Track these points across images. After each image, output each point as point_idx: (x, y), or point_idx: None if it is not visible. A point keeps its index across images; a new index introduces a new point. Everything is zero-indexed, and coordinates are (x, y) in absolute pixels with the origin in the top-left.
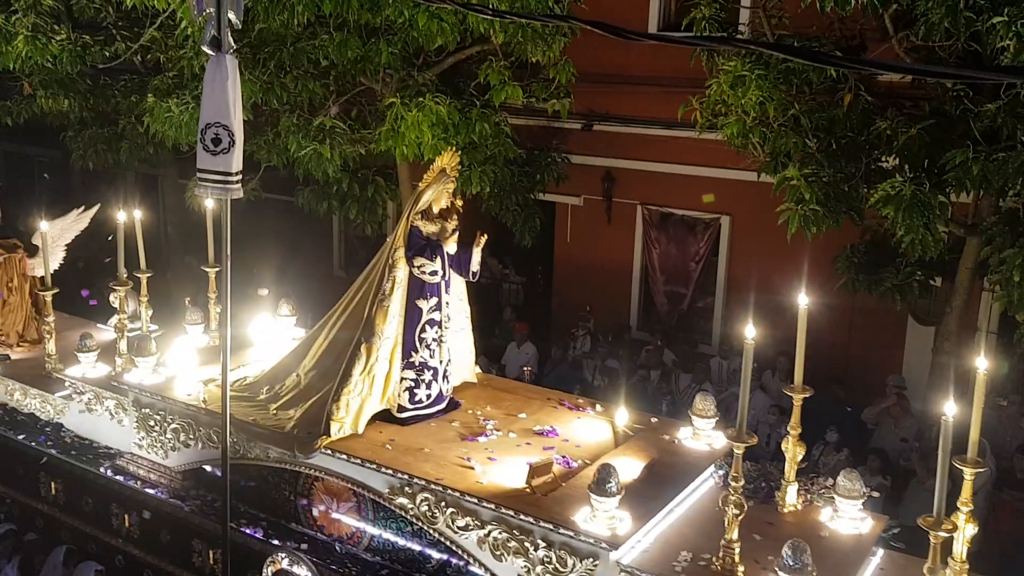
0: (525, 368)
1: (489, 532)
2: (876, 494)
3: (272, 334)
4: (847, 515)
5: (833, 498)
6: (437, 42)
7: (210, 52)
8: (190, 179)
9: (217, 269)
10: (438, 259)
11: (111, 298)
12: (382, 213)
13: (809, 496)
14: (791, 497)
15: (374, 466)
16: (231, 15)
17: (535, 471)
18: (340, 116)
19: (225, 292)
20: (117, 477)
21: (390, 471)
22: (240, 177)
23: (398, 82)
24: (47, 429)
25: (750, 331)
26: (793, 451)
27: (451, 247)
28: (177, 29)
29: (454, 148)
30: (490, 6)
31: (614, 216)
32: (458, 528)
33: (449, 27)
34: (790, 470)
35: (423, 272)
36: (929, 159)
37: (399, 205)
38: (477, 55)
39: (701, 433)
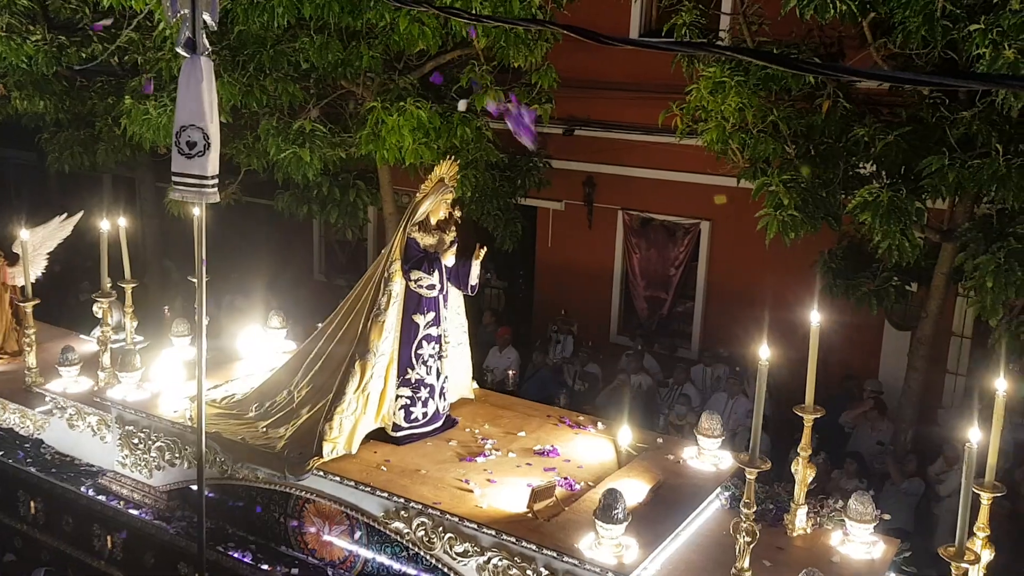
0: (509, 372)
1: (489, 559)
2: (887, 517)
3: (261, 347)
4: (858, 539)
5: (843, 520)
6: (418, 46)
7: (185, 54)
8: (168, 182)
9: (206, 280)
10: (436, 272)
11: (94, 309)
12: (363, 217)
13: (819, 519)
14: (800, 520)
15: (368, 488)
16: (206, 17)
17: (537, 495)
18: (320, 120)
19: (200, 298)
20: (99, 497)
21: (385, 494)
22: (216, 181)
23: (379, 86)
24: (26, 446)
25: (764, 352)
26: (803, 473)
27: (449, 260)
28: (155, 30)
29: (449, 155)
30: (472, 10)
31: (595, 221)
32: (456, 554)
33: (430, 31)
34: (800, 492)
35: (420, 286)
36: (906, 166)
37: (380, 210)
38: (459, 59)
39: (707, 453)
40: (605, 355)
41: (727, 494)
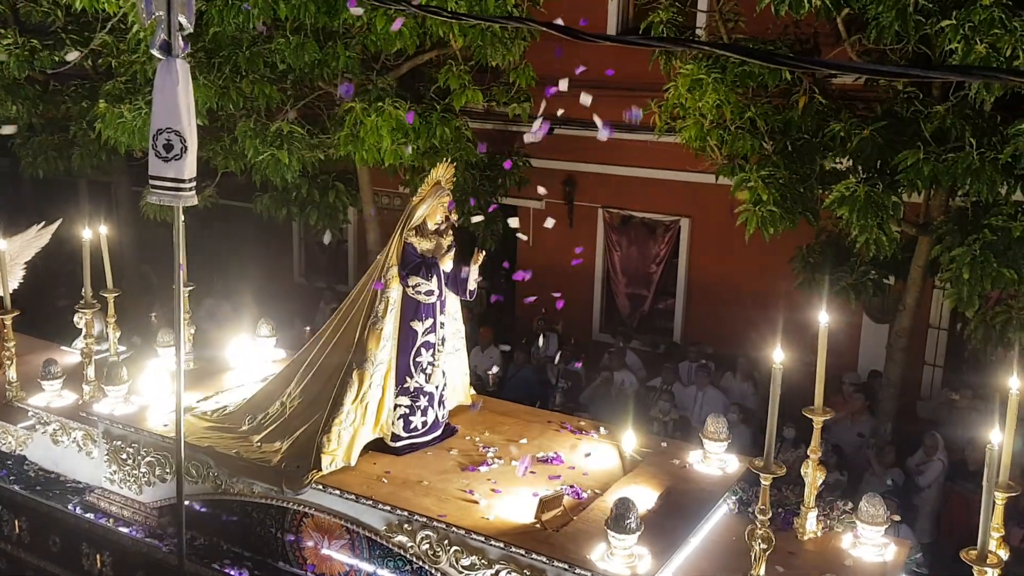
0: (490, 372)
1: (497, 572)
2: (897, 518)
3: (251, 356)
4: (870, 541)
5: (854, 523)
6: (396, 46)
7: (160, 56)
8: (144, 186)
9: (192, 288)
10: (434, 278)
11: (75, 319)
12: (343, 219)
13: (828, 522)
14: (811, 524)
15: (370, 502)
16: (181, 19)
17: (545, 504)
18: (298, 121)
19: (177, 303)
20: (87, 514)
21: (388, 507)
22: (193, 184)
23: (357, 86)
24: (9, 463)
25: (778, 355)
26: (813, 475)
27: (447, 265)
28: (129, 33)
29: (447, 160)
30: (447, 9)
31: (576, 219)
32: (463, 568)
33: (407, 31)
34: (809, 496)
35: (418, 292)
36: (882, 160)
37: (360, 211)
38: (437, 59)
39: (713, 457)
40: (588, 353)
41: (734, 498)
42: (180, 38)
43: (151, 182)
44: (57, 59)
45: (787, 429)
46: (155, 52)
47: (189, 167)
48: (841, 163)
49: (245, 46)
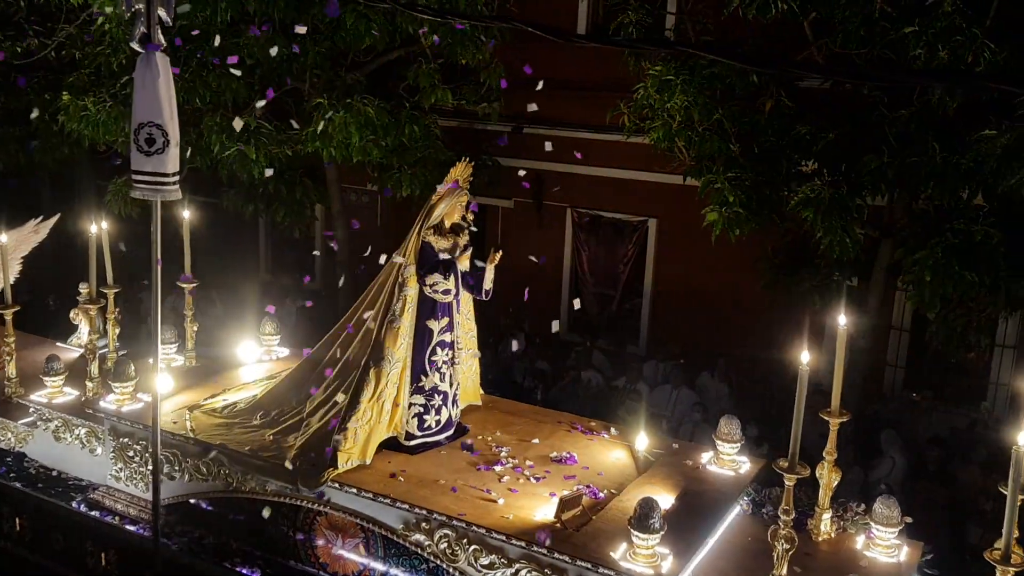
0: None
1: (518, 571)
2: (910, 519)
3: (255, 355)
4: (883, 542)
5: (868, 524)
6: (365, 42)
7: (140, 50)
8: (109, 180)
9: (194, 284)
10: (452, 277)
11: (71, 315)
12: (310, 215)
13: (842, 523)
14: (825, 525)
15: (388, 500)
16: (161, 12)
17: (565, 504)
18: (266, 116)
19: (155, 300)
20: (92, 512)
21: (406, 506)
22: (177, 178)
23: (325, 82)
24: (8, 460)
25: (805, 356)
26: (828, 477)
27: (464, 264)
28: (94, 25)
29: (466, 160)
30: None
31: (544, 219)
32: (482, 567)
33: (377, 27)
34: (824, 497)
35: (436, 291)
36: (846, 163)
37: (327, 208)
38: (406, 56)
39: (726, 458)
40: (554, 352)
41: (747, 499)
42: (160, 32)
43: (134, 176)
44: (20, 50)
45: (748, 427)
46: (135, 46)
47: (171, 161)
48: (807, 165)
49: (213, 40)
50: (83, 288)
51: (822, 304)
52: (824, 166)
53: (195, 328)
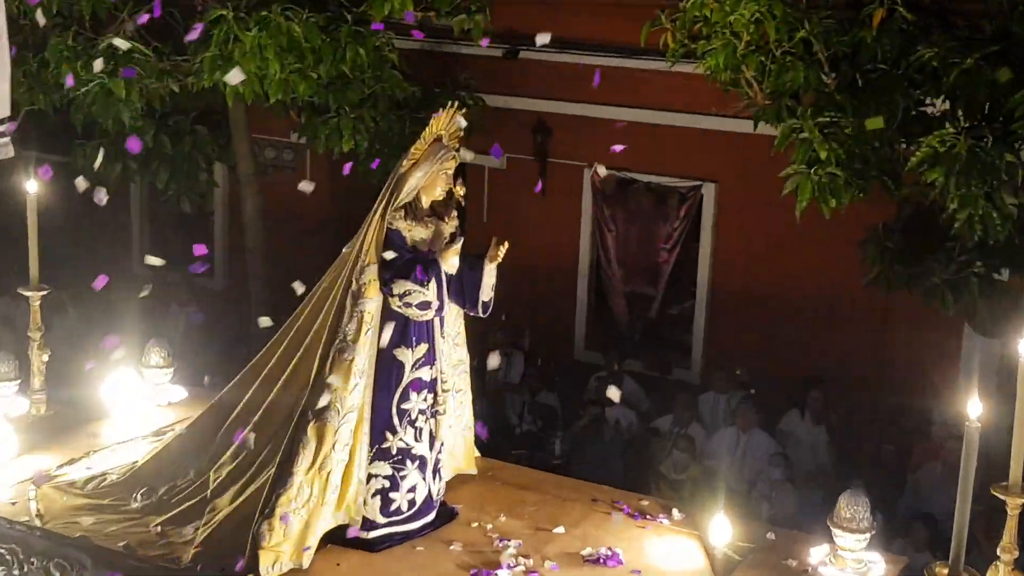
0: None
1: None
2: None
3: (136, 398)
4: None
5: None
6: None
7: None
8: None
9: (44, 293)
10: (432, 283)
11: None
12: (206, 180)
13: None
14: None
15: None
16: None
17: None
18: (140, 36)
19: None
20: None
21: None
22: (6, 126)
23: None
24: None
25: (974, 408)
26: None
27: (451, 264)
28: None
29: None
30: None
31: (550, 184)
32: None
33: None
34: None
35: (408, 304)
36: (992, 102)
37: (232, 168)
38: None
39: (848, 555)
40: (568, 379)
41: None
42: None
43: None
44: None
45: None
46: None
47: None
48: (934, 105)
49: None
50: None
51: (957, 306)
52: (959, 106)
53: (45, 358)
